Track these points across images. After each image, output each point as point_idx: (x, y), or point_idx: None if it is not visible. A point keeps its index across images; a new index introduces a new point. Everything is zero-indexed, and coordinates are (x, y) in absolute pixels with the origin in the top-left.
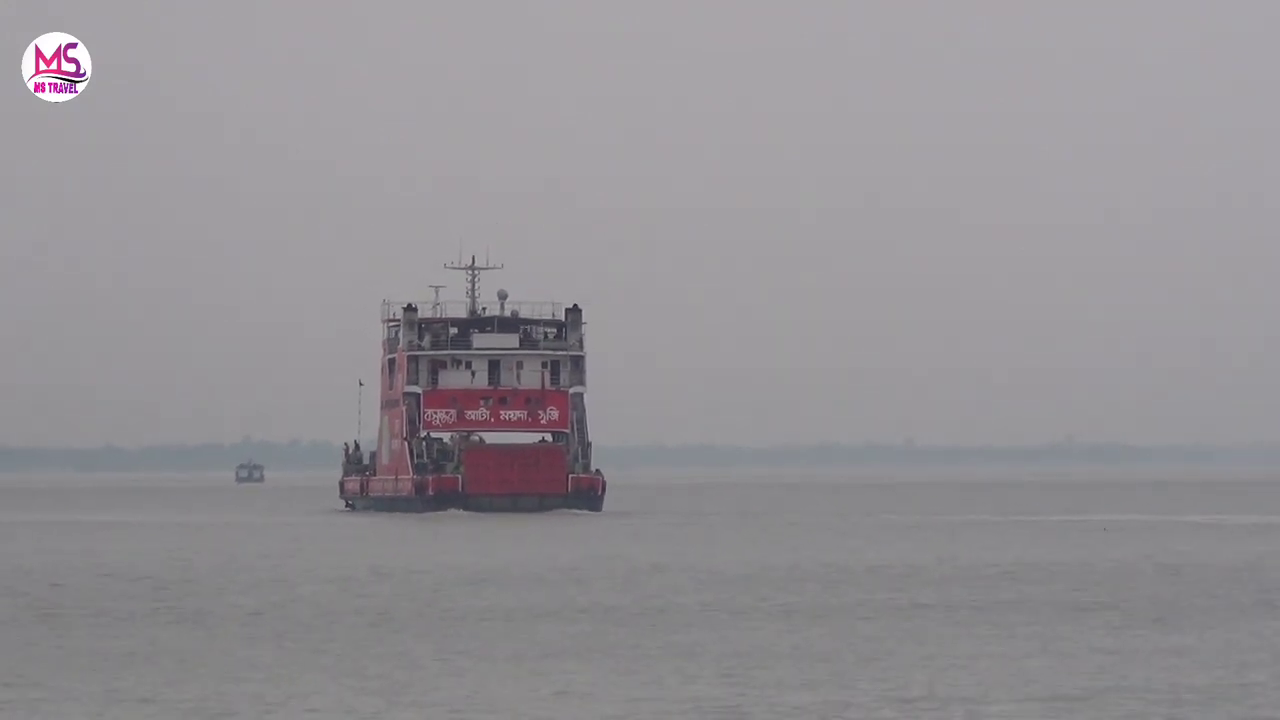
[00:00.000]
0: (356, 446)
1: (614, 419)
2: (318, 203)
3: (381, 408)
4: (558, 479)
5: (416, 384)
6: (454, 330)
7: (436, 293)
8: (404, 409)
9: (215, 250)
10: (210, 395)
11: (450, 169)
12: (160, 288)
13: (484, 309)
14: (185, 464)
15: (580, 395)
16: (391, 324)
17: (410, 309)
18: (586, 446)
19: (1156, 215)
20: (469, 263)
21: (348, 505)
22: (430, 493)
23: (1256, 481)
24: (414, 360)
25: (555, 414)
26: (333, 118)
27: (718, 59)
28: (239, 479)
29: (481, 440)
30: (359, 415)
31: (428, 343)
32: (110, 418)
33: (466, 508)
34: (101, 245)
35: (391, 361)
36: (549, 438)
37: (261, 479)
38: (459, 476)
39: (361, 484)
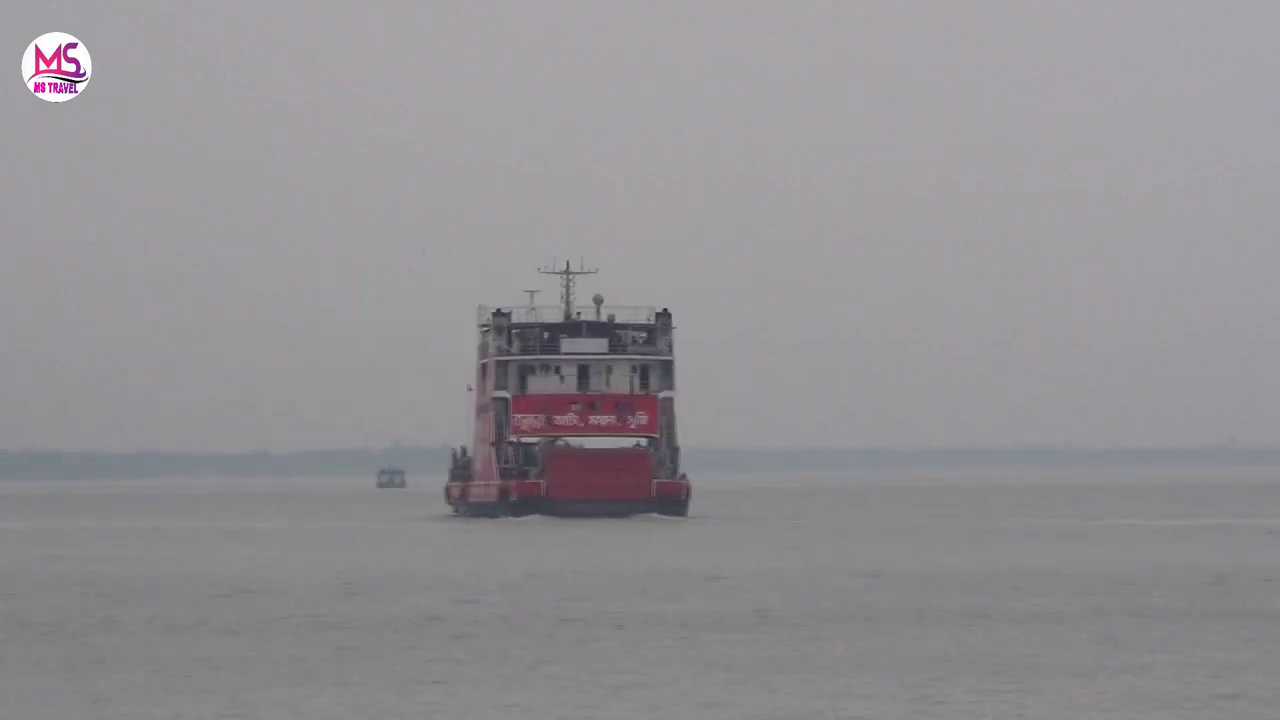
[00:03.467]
0: (464, 451)
1: (705, 422)
2: (430, 203)
3: (476, 413)
4: (641, 484)
5: (505, 389)
6: (545, 335)
7: (531, 297)
8: (493, 414)
9: (342, 259)
10: (359, 400)
11: (548, 170)
12: (291, 295)
13: (579, 313)
14: (333, 469)
15: (670, 400)
16: (484, 329)
17: (499, 314)
18: (674, 451)
19: None
20: (564, 267)
21: (454, 510)
22: (513, 497)
23: None
24: (502, 365)
25: (644, 419)
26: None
27: (831, 58)
28: (380, 484)
29: (568, 445)
30: (468, 420)
31: (517, 348)
32: (261, 424)
33: (549, 513)
34: (249, 255)
35: (484, 366)
36: (642, 442)
37: (403, 484)
38: (541, 481)
39: (462, 489)
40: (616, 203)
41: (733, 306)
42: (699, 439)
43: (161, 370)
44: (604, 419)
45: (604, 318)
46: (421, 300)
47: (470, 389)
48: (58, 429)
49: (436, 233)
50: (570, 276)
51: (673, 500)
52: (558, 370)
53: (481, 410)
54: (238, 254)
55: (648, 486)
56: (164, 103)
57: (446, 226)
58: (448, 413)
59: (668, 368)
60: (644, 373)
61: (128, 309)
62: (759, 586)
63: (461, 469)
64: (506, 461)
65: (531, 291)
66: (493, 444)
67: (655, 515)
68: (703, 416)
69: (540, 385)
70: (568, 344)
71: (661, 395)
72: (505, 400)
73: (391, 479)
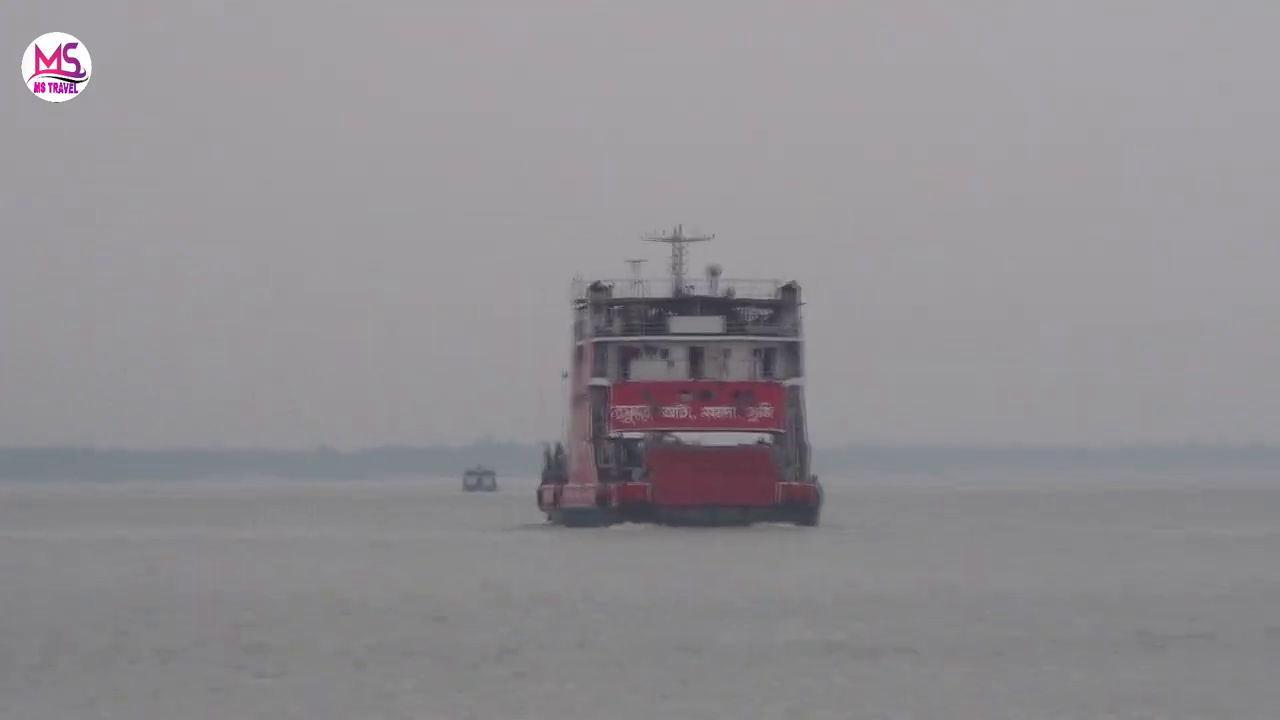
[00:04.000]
0: (558, 449)
1: (836, 415)
2: (493, 177)
3: (571, 404)
4: (764, 487)
5: (604, 375)
6: (651, 312)
7: (635, 268)
8: (590, 405)
9: (410, 241)
10: (436, 392)
11: (653, 131)
12: (354, 290)
13: (690, 287)
14: (410, 469)
15: (798, 389)
16: (580, 305)
17: (598, 287)
18: (804, 449)
19: None
20: (673, 233)
21: (549, 517)
22: (613, 503)
23: None
24: (601, 348)
25: (768, 410)
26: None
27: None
28: (467, 486)
29: (678, 441)
30: (563, 412)
31: (618, 327)
32: (323, 419)
33: (655, 520)
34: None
35: (580, 349)
36: (765, 439)
37: (493, 486)
38: (647, 484)
39: (555, 492)
40: (730, 164)
41: (866, 280)
42: (830, 434)
43: (198, 365)
44: (720, 411)
45: (720, 292)
46: (513, 277)
47: (565, 375)
48: (90, 426)
49: (521, 204)
50: (681, 245)
51: (801, 507)
52: (666, 353)
53: (577, 400)
54: (265, 246)
55: (772, 490)
56: (164, 103)
57: (532, 197)
58: (543, 404)
59: (795, 351)
60: (767, 356)
61: (137, 304)
62: (946, 610)
63: (555, 469)
64: (606, 460)
65: (635, 261)
66: (590, 440)
67: (781, 524)
68: (833, 408)
69: (645, 371)
70: (678, 323)
71: (788, 383)
72: (604, 389)
73: (480, 480)
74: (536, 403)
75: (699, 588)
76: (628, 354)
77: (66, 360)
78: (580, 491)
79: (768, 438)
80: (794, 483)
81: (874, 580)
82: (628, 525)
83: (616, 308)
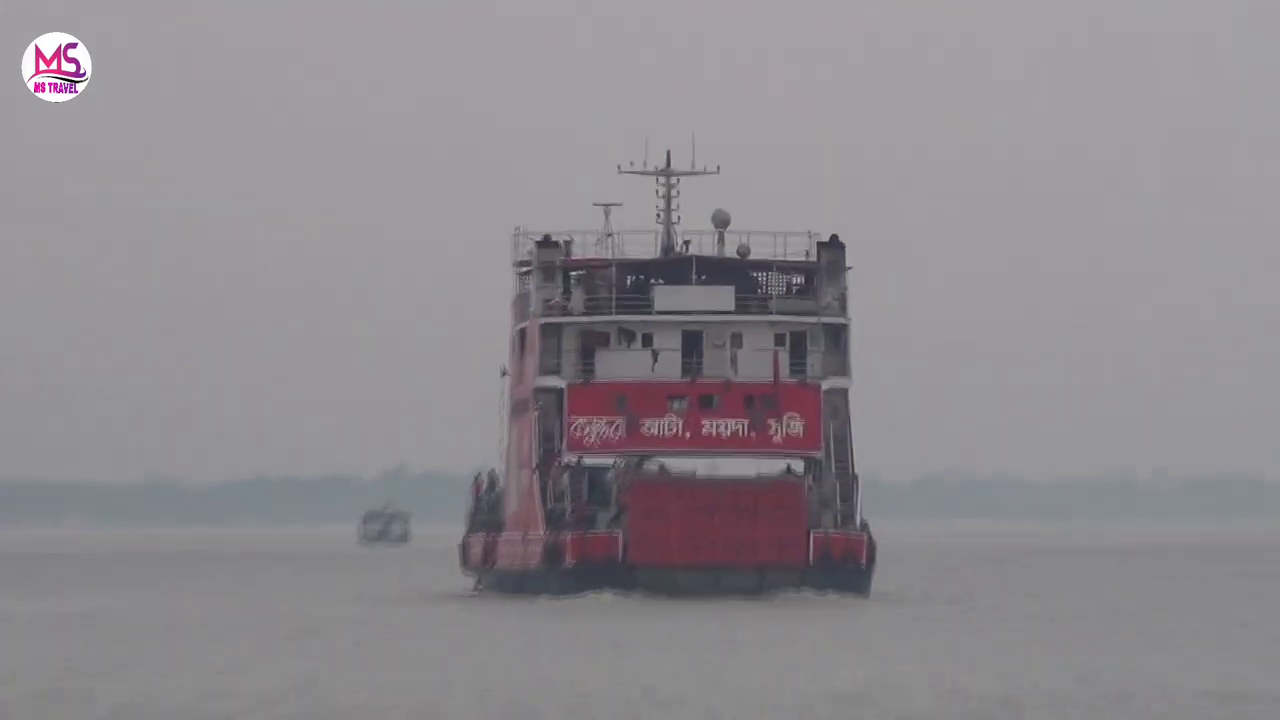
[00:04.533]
0: (492, 482)
1: (892, 433)
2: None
3: (510, 414)
4: (791, 539)
5: (557, 373)
6: (627, 280)
7: (606, 215)
8: (535, 416)
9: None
10: (328, 404)
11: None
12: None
13: (685, 243)
14: (291, 510)
15: (843, 393)
16: (523, 269)
17: (548, 243)
18: (850, 481)
19: None
20: (660, 165)
21: (477, 583)
22: (568, 562)
23: None
24: (553, 332)
25: (799, 426)
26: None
27: None
28: (365, 537)
29: (664, 470)
30: (500, 427)
31: (578, 302)
32: (162, 443)
33: (630, 587)
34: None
35: (521, 334)
36: (796, 466)
37: (404, 536)
38: (618, 534)
39: (487, 546)
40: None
41: (929, 236)
42: (887, 460)
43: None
44: (728, 425)
45: (729, 251)
46: (443, 234)
47: (505, 373)
48: None
49: (454, 130)
50: (672, 180)
51: (845, 568)
52: (648, 340)
53: (518, 410)
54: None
55: (802, 543)
56: (164, 103)
57: (470, 121)
58: (482, 418)
59: (838, 337)
60: (797, 345)
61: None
62: None
63: (487, 511)
64: (559, 498)
65: (606, 206)
66: (535, 468)
67: (816, 592)
68: (891, 422)
69: (618, 366)
70: (666, 295)
71: (827, 384)
72: (557, 393)
73: (386, 528)
74: (471, 417)
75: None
76: (592, 341)
77: None
78: (520, 545)
79: (798, 465)
80: (835, 532)
81: (994, 686)
82: (590, 596)
83: (576, 273)
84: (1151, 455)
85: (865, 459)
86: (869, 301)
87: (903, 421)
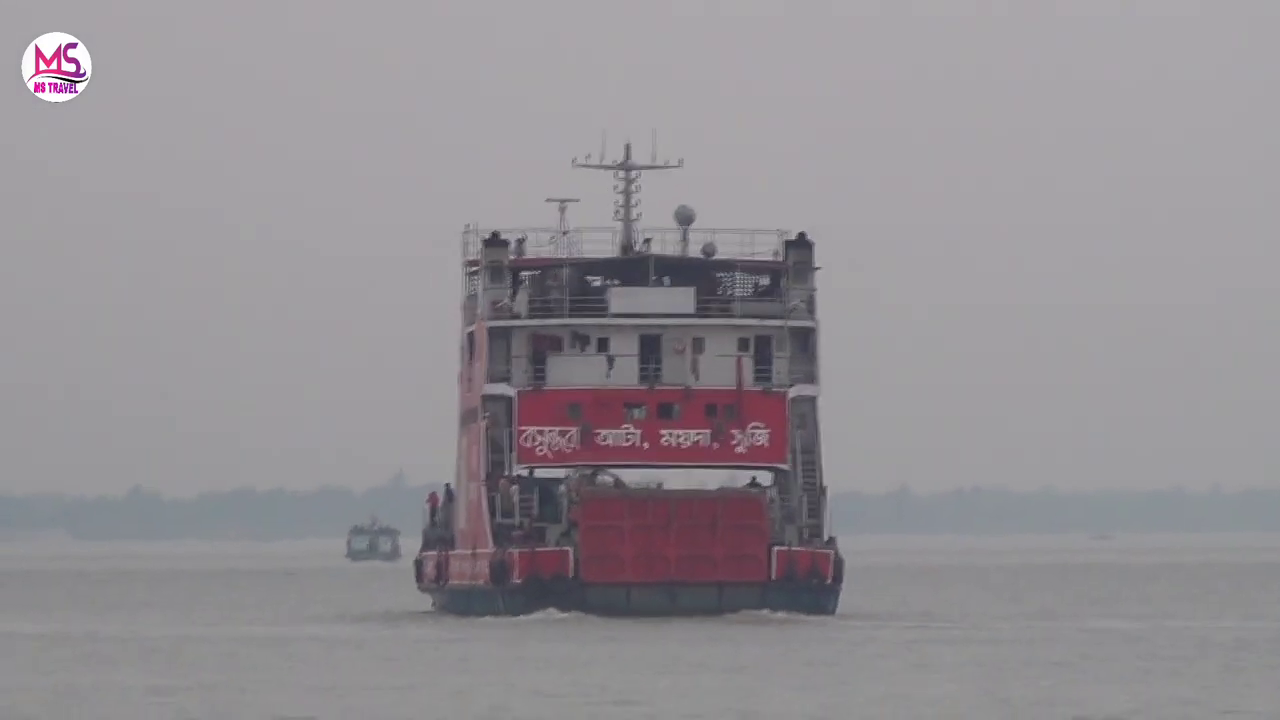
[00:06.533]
0: (449, 495)
1: (859, 443)
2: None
3: (460, 422)
4: (751, 554)
5: (506, 379)
6: (580, 280)
7: (562, 212)
8: (484, 426)
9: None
10: (321, 410)
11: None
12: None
13: (645, 241)
14: (283, 526)
15: (811, 401)
16: (472, 269)
17: (496, 241)
18: (817, 495)
19: None
20: (618, 158)
21: (433, 601)
22: (516, 579)
23: None
24: (501, 336)
25: (763, 436)
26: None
27: None
28: (353, 552)
29: (618, 483)
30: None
31: (525, 303)
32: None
33: (581, 607)
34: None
35: (470, 337)
36: (760, 479)
37: (393, 553)
38: (568, 550)
39: (439, 563)
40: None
41: (899, 234)
42: (854, 472)
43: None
44: (688, 435)
45: (693, 250)
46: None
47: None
48: None
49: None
50: (630, 175)
51: (810, 585)
52: (603, 345)
53: (467, 419)
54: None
55: (763, 559)
56: (164, 103)
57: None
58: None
59: (806, 341)
60: (762, 350)
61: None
62: None
63: (441, 527)
64: (507, 512)
65: (560, 202)
66: (484, 481)
67: (778, 612)
68: (858, 430)
69: (571, 372)
70: (623, 296)
71: (793, 392)
72: (506, 400)
73: (374, 543)
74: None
75: None
76: (543, 345)
77: None
78: (469, 562)
79: (762, 477)
80: (799, 548)
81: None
82: (539, 614)
83: (527, 273)
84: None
85: (839, 470)
86: (836, 300)
87: (871, 427)
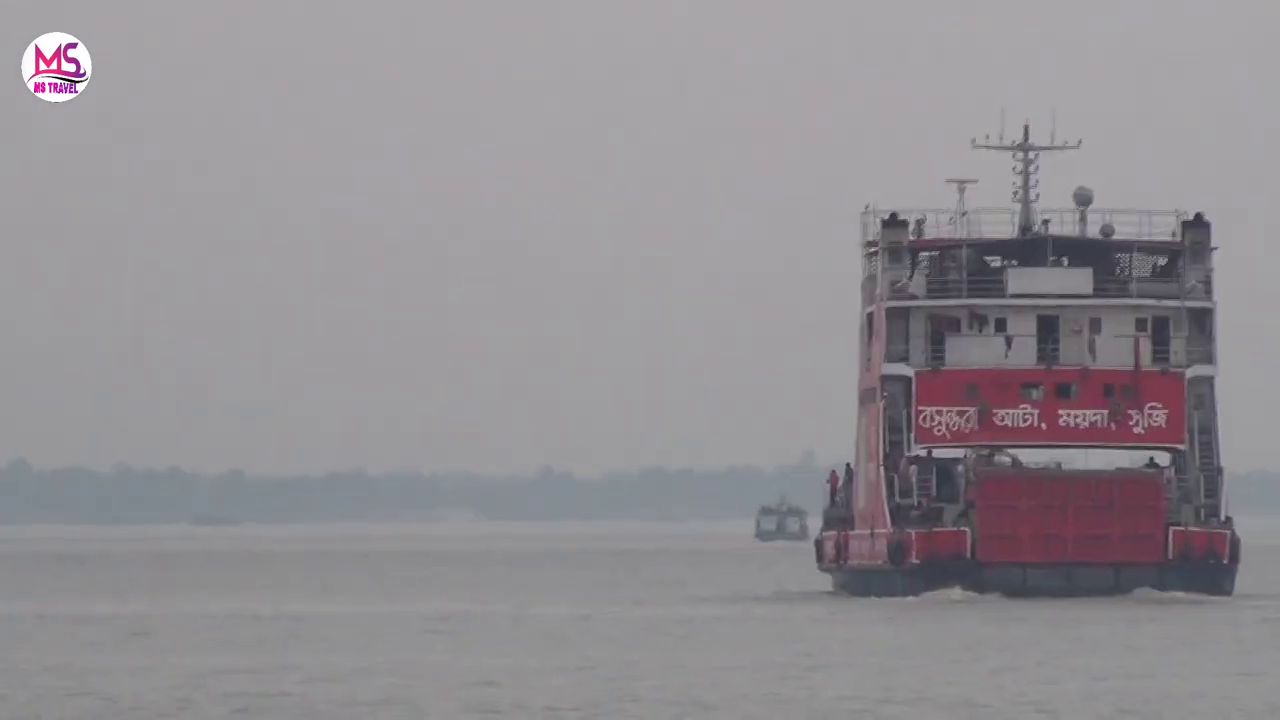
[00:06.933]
0: (849, 476)
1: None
2: None
3: (860, 402)
4: (1148, 534)
5: (904, 360)
6: (980, 261)
7: (960, 193)
8: (882, 406)
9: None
10: (728, 390)
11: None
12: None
13: (1044, 222)
14: (705, 506)
15: (1208, 381)
16: (870, 250)
17: (894, 221)
18: (1215, 475)
19: None
20: (1017, 138)
21: (833, 581)
22: (913, 559)
23: None
24: (899, 317)
25: (1161, 416)
26: None
27: None
28: (761, 532)
29: (1016, 463)
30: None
31: (923, 283)
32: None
33: (978, 587)
34: None
35: (869, 319)
36: (1159, 460)
37: (801, 532)
38: (966, 530)
39: (838, 543)
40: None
41: None
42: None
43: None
44: (1086, 415)
45: (1091, 231)
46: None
47: None
48: None
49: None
50: (1030, 155)
51: (1206, 566)
52: (1002, 326)
53: (866, 399)
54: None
55: (1160, 540)
56: (164, 103)
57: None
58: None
59: (1203, 322)
60: (1159, 330)
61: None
62: None
63: (842, 507)
64: (905, 493)
65: (960, 183)
66: (882, 462)
67: (1172, 593)
68: (1259, 411)
69: (969, 353)
70: (1021, 277)
71: (1191, 372)
72: (905, 381)
73: (781, 523)
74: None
75: None
76: (941, 326)
77: None
78: (867, 542)
79: (1160, 457)
80: (1195, 528)
81: None
82: (938, 593)
83: (925, 254)
84: None
85: (1231, 449)
86: (1234, 282)
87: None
